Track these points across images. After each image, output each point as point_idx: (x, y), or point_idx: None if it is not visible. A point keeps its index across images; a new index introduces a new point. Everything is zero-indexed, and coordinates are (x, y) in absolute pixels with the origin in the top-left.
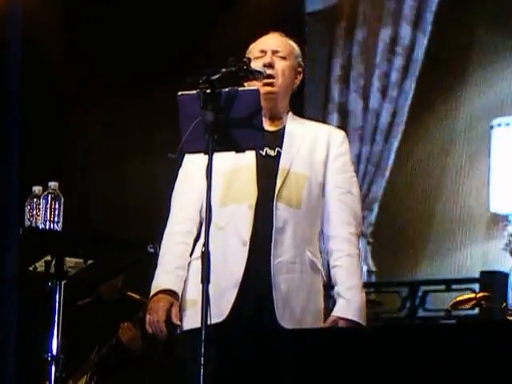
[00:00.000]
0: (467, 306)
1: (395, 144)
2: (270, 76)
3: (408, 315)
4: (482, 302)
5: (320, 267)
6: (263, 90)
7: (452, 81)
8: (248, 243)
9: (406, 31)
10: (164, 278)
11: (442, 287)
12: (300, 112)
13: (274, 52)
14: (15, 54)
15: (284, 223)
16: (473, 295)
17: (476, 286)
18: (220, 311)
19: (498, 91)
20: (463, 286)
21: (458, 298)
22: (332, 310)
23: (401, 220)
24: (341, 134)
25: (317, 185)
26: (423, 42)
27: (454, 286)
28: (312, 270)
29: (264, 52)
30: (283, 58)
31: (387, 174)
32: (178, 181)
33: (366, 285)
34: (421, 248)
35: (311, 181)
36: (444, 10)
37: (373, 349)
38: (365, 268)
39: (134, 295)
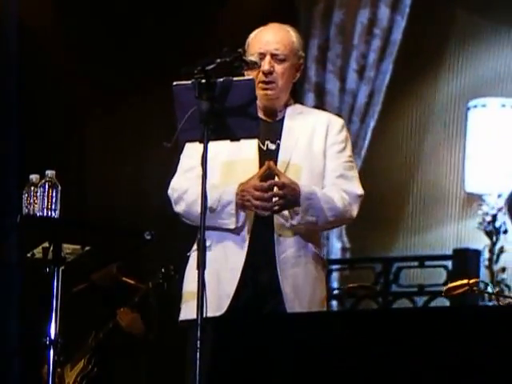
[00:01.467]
0: (460, 291)
1: (372, 124)
2: (269, 82)
3: (381, 290)
4: (475, 288)
5: (322, 256)
6: (262, 92)
7: (429, 62)
8: (248, 238)
9: (384, 13)
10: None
11: (416, 264)
12: (300, 99)
13: (273, 55)
14: (12, 43)
15: (288, 224)
16: (465, 281)
17: (449, 263)
18: (219, 304)
19: (475, 73)
20: (436, 263)
21: (451, 285)
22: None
23: (376, 198)
24: (339, 121)
25: (317, 175)
26: (401, 24)
27: (427, 263)
28: (315, 262)
29: (263, 55)
30: (282, 60)
31: (363, 153)
32: (182, 159)
33: (340, 261)
34: (396, 225)
35: (311, 172)
36: None
37: (374, 333)
38: (339, 245)
39: (129, 280)
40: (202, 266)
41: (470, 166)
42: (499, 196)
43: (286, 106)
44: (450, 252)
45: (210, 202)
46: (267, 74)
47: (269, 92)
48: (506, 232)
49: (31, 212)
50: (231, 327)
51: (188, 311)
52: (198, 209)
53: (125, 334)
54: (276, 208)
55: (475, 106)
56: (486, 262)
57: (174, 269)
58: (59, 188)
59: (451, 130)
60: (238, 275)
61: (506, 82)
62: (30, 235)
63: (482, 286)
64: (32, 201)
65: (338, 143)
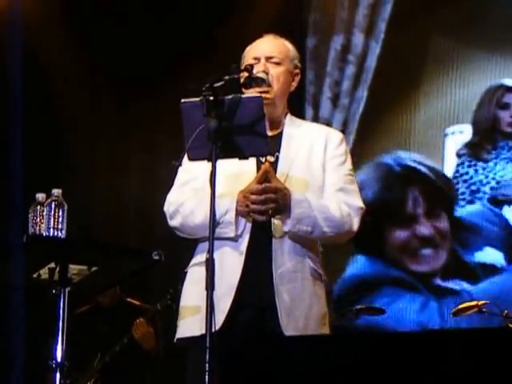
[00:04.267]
0: (469, 313)
1: None
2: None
3: None
4: (484, 310)
5: (321, 272)
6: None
7: (405, 89)
8: (244, 252)
9: (358, 39)
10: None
11: None
12: (300, 112)
13: (268, 58)
14: (17, 63)
15: (283, 231)
16: (474, 303)
17: None
18: (216, 320)
19: (451, 99)
20: None
21: (460, 306)
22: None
23: None
24: (338, 135)
25: (317, 188)
26: (376, 50)
27: None
28: (313, 277)
29: (257, 59)
30: (277, 63)
31: None
32: (179, 173)
33: None
34: None
35: (310, 185)
36: (397, 18)
37: (376, 357)
38: None
39: (134, 301)
40: (210, 287)
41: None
42: None
43: (284, 117)
44: None
45: (207, 213)
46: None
47: (265, 95)
48: None
49: (37, 232)
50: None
51: (185, 328)
52: (194, 220)
53: (134, 348)
54: (270, 212)
55: (453, 133)
56: None
57: (181, 288)
58: (66, 207)
59: (427, 157)
60: (233, 291)
61: None
62: (36, 255)
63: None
64: (38, 220)
65: (337, 157)
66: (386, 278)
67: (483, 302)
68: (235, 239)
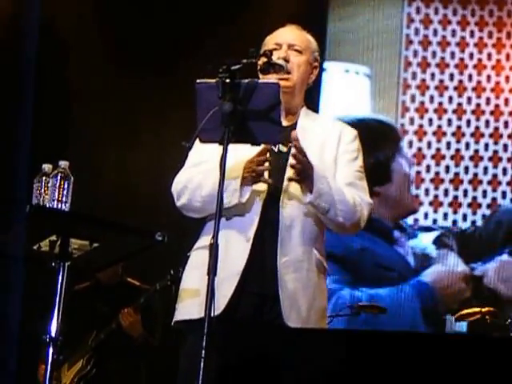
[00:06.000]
0: (471, 319)
1: None
2: (286, 71)
3: None
4: (487, 317)
5: (325, 266)
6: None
7: None
8: (252, 239)
9: None
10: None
11: None
12: (315, 107)
13: (290, 46)
14: (31, 35)
15: (291, 221)
16: (478, 309)
17: None
18: (217, 305)
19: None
20: None
21: (463, 312)
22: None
23: None
24: (352, 132)
25: None
26: None
27: None
28: (318, 269)
29: (279, 45)
30: (299, 52)
31: None
32: (190, 155)
33: None
34: None
35: None
36: None
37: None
38: None
39: (134, 281)
40: (212, 272)
41: None
42: None
43: (300, 109)
44: None
45: (214, 185)
46: (283, 60)
47: (283, 83)
48: None
49: (41, 203)
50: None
51: (184, 311)
52: (201, 192)
53: (125, 334)
54: (290, 173)
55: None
56: None
57: (183, 271)
58: (71, 180)
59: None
60: (237, 278)
61: (345, 45)
62: (37, 227)
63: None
64: (43, 191)
65: (349, 152)
66: None
67: (487, 309)
68: (242, 213)
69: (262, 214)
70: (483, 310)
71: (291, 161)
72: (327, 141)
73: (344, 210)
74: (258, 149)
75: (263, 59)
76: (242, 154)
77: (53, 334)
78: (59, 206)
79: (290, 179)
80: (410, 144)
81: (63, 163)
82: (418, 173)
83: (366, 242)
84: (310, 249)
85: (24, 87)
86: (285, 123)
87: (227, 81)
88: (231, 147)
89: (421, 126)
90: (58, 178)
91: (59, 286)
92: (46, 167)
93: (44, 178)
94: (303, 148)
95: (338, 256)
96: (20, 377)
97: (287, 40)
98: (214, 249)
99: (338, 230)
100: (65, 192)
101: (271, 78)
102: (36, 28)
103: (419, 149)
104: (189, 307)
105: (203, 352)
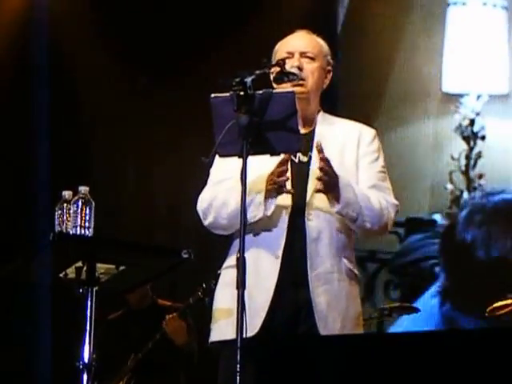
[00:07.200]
0: (504, 312)
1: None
2: (300, 78)
3: None
4: None
5: (356, 272)
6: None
7: None
8: (281, 256)
9: None
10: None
11: None
12: (332, 109)
13: (302, 53)
14: (43, 58)
15: (318, 233)
16: (510, 301)
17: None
18: (252, 324)
19: None
20: None
21: (495, 305)
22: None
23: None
24: (371, 132)
25: None
26: None
27: None
28: (349, 278)
29: (291, 54)
30: (312, 58)
31: None
32: (212, 172)
33: None
34: (374, 118)
35: None
36: None
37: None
38: None
39: (165, 302)
40: (241, 286)
41: (448, 64)
42: (478, 98)
43: (317, 114)
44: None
45: (238, 202)
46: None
47: (298, 89)
48: (483, 138)
49: (64, 230)
50: (267, 350)
51: (219, 332)
52: (227, 210)
53: (168, 345)
54: (318, 184)
55: (455, 3)
56: (463, 168)
57: (215, 283)
58: (93, 205)
59: (429, 26)
60: (271, 294)
61: None
62: (62, 254)
63: None
64: (65, 218)
65: (370, 153)
66: None
67: None
68: (269, 228)
69: (289, 229)
70: None
71: (318, 173)
72: (347, 144)
73: (371, 216)
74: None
75: (276, 69)
76: (265, 167)
77: (85, 360)
78: (82, 231)
79: (318, 191)
80: None
81: (83, 188)
82: None
83: None
84: (339, 259)
85: (38, 117)
86: (302, 131)
87: (241, 93)
88: (255, 162)
89: None
90: (79, 203)
91: (88, 311)
92: (67, 194)
93: (65, 204)
94: (328, 158)
95: None
96: None
97: (299, 48)
98: (240, 264)
99: (366, 235)
100: (87, 217)
101: (286, 87)
102: (46, 55)
103: None
104: (224, 327)
105: (238, 366)
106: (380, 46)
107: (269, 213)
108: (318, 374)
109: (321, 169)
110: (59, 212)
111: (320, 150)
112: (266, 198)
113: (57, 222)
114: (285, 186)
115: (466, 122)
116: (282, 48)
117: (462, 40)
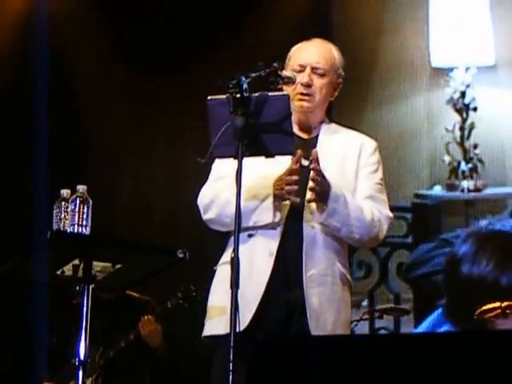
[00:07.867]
0: (492, 315)
1: None
2: (306, 94)
3: None
4: (507, 311)
5: (349, 278)
6: (299, 103)
7: None
8: (275, 254)
9: None
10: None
11: None
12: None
13: (313, 69)
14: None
15: (314, 235)
16: (498, 304)
17: (409, 215)
18: (242, 319)
19: None
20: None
21: (483, 307)
22: None
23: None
24: (372, 144)
25: (349, 193)
26: None
27: None
28: (342, 282)
29: (303, 67)
30: (322, 75)
31: None
32: (214, 168)
33: None
34: (364, 95)
35: (344, 190)
36: None
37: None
38: None
39: (132, 293)
40: (235, 286)
41: (436, 37)
42: (467, 70)
43: (321, 123)
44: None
45: (245, 202)
46: (306, 86)
47: (305, 104)
48: (475, 109)
49: (62, 228)
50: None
51: (212, 327)
52: (231, 209)
53: (144, 345)
54: (309, 195)
55: None
56: (458, 139)
57: (194, 289)
58: (90, 203)
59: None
60: (262, 290)
61: None
62: (60, 252)
63: None
64: (63, 216)
65: (370, 165)
66: None
67: (507, 303)
68: (273, 226)
69: (285, 229)
70: (503, 304)
71: (310, 184)
72: (348, 154)
73: (361, 227)
74: (283, 163)
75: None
76: (269, 169)
77: (81, 357)
78: (80, 230)
79: (309, 201)
80: None
81: (81, 187)
82: None
83: None
84: (333, 262)
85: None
86: (305, 136)
87: (237, 96)
88: (259, 162)
89: None
90: (77, 202)
91: (84, 309)
92: (65, 192)
93: (63, 203)
94: (321, 169)
95: None
96: None
97: (311, 62)
98: (235, 263)
99: (356, 245)
100: (84, 216)
101: (287, 89)
102: (47, 56)
103: None
104: (217, 323)
105: (231, 365)
106: (361, 23)
107: (277, 219)
108: (309, 374)
109: (312, 179)
110: (57, 210)
111: (315, 160)
112: (274, 202)
113: (55, 220)
114: (293, 194)
115: (457, 95)
116: (295, 56)
117: (446, 13)
